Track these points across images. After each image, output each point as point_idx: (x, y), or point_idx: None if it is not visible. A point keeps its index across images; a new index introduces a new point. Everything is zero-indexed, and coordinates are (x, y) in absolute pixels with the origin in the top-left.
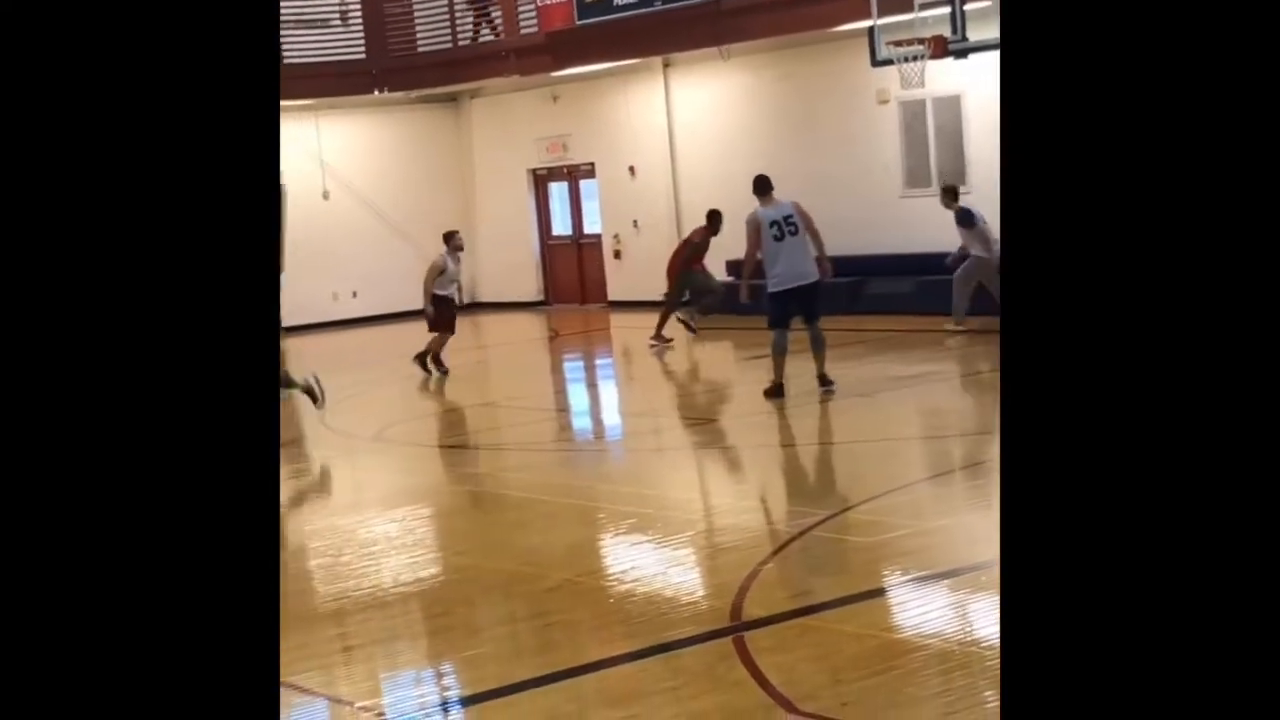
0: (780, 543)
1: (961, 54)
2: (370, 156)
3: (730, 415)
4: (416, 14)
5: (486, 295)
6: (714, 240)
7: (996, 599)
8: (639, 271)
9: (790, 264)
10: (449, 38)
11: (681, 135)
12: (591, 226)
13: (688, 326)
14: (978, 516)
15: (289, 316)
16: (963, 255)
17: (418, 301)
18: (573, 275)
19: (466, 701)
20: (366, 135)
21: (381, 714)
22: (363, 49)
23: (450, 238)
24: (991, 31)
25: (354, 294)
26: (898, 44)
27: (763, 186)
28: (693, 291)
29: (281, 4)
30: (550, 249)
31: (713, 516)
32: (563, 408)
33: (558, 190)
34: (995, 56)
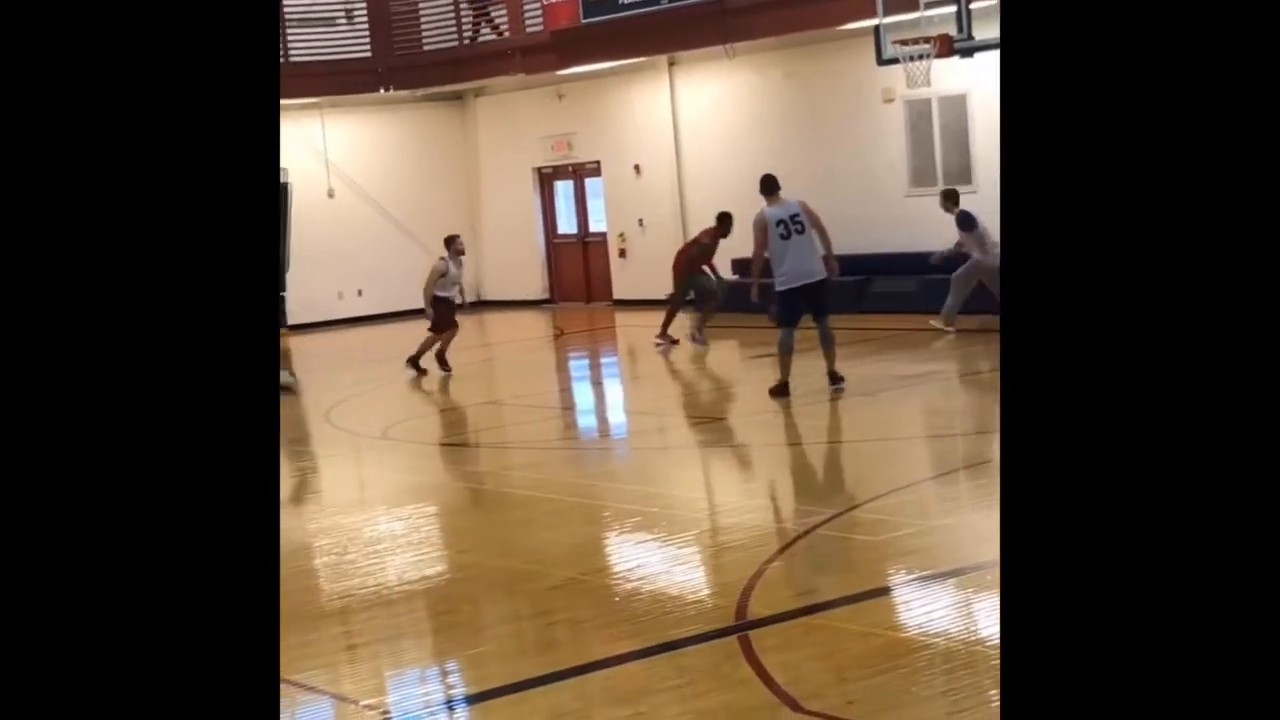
0: (785, 541)
1: (967, 53)
2: (375, 155)
3: (735, 414)
4: (422, 12)
5: (491, 294)
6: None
7: None
8: (644, 270)
9: (797, 262)
10: (454, 36)
11: (686, 134)
12: (597, 225)
13: (696, 340)
14: (983, 515)
15: (294, 315)
16: (951, 254)
17: (422, 301)
18: (578, 274)
19: (471, 700)
20: (372, 134)
21: (386, 712)
22: (368, 47)
23: (451, 242)
24: (997, 30)
25: (359, 292)
26: (903, 42)
27: (770, 186)
28: (697, 293)
29: (287, 2)
30: (555, 247)
31: (718, 515)
32: (568, 406)
33: (563, 189)
34: None
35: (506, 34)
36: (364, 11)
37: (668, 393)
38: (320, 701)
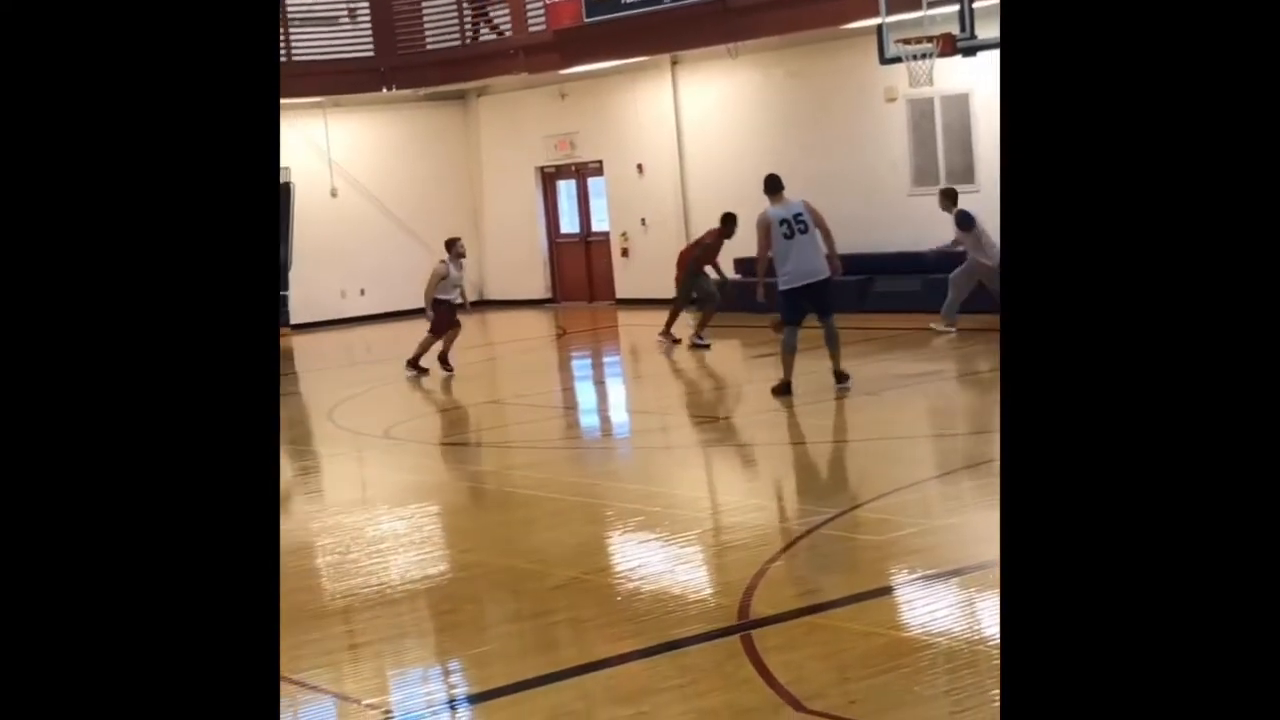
0: (788, 540)
1: (970, 52)
2: (378, 154)
3: (738, 413)
4: (425, 12)
5: (494, 293)
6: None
7: None
8: (647, 269)
9: (800, 261)
10: (457, 35)
11: (689, 133)
12: (599, 224)
13: (697, 343)
14: (985, 515)
15: (297, 314)
16: (946, 251)
17: (423, 302)
18: (580, 273)
19: (474, 699)
20: (375, 133)
21: (389, 712)
22: (371, 47)
23: (452, 244)
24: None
25: (362, 291)
26: (906, 42)
27: (773, 185)
28: (699, 293)
29: (290, 1)
30: (558, 247)
31: (720, 514)
32: (570, 405)
33: (565, 188)
34: None
35: (508, 33)
36: (367, 11)
37: (670, 392)
38: (323, 701)
